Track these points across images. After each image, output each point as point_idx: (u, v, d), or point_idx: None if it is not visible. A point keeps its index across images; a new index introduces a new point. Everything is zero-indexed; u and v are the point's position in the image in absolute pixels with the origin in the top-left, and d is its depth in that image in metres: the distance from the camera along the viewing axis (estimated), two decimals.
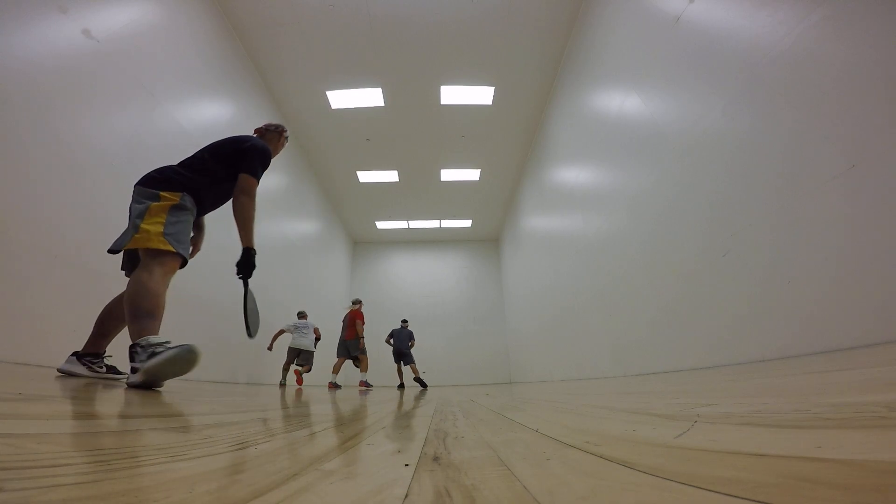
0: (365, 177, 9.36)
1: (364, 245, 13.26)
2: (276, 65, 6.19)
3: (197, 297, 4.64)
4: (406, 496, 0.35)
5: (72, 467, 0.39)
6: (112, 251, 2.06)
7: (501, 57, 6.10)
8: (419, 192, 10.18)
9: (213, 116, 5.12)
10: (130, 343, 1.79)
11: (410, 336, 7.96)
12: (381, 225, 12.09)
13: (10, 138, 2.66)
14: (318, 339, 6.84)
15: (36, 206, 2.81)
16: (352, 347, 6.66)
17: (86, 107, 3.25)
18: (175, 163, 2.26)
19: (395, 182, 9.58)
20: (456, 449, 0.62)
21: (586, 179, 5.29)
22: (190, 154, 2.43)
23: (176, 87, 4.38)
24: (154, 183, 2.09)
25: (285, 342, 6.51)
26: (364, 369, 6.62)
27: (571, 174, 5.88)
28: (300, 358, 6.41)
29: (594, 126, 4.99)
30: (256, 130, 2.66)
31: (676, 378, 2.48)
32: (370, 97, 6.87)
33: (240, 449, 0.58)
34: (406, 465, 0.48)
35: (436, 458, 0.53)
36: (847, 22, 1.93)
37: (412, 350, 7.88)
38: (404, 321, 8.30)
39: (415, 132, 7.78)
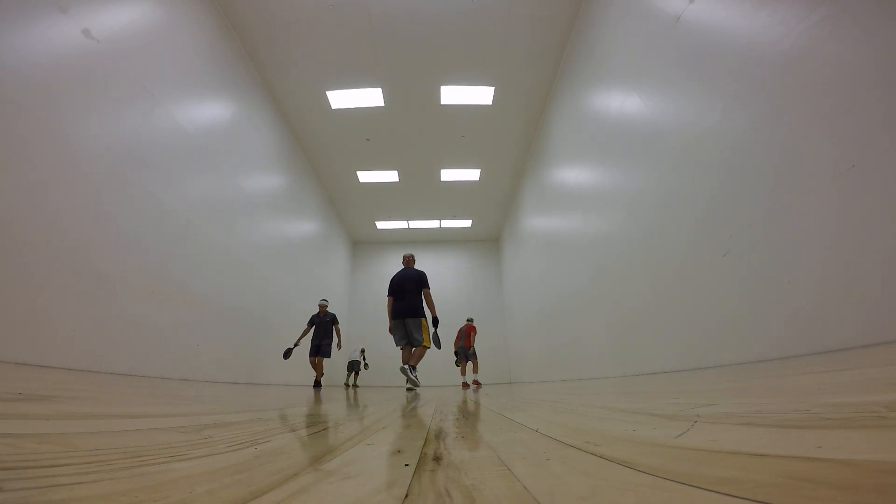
0: (365, 177, 9.35)
1: (364, 245, 13.26)
2: (276, 65, 6.19)
3: (196, 295, 4.64)
4: (406, 496, 0.35)
5: (72, 467, 0.39)
6: (414, 345, 4.56)
7: (501, 57, 6.10)
8: (419, 192, 10.18)
9: (213, 116, 5.12)
10: (413, 364, 4.41)
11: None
12: (381, 225, 12.09)
13: (11, 138, 2.66)
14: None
15: (36, 205, 2.81)
16: (469, 354, 8.24)
17: (86, 107, 3.26)
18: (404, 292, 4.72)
19: (395, 182, 9.58)
20: (456, 449, 0.62)
21: (586, 179, 5.29)
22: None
23: (176, 87, 4.38)
24: (418, 314, 4.59)
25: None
26: (476, 371, 8.19)
27: (571, 174, 5.88)
28: (354, 367, 10.56)
29: (594, 126, 4.99)
30: (405, 262, 5.06)
31: (676, 378, 2.48)
32: (370, 97, 6.87)
33: (240, 449, 0.58)
34: (406, 466, 0.48)
35: (436, 458, 0.53)
36: (846, 22, 1.93)
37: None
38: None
39: (415, 132, 7.78)
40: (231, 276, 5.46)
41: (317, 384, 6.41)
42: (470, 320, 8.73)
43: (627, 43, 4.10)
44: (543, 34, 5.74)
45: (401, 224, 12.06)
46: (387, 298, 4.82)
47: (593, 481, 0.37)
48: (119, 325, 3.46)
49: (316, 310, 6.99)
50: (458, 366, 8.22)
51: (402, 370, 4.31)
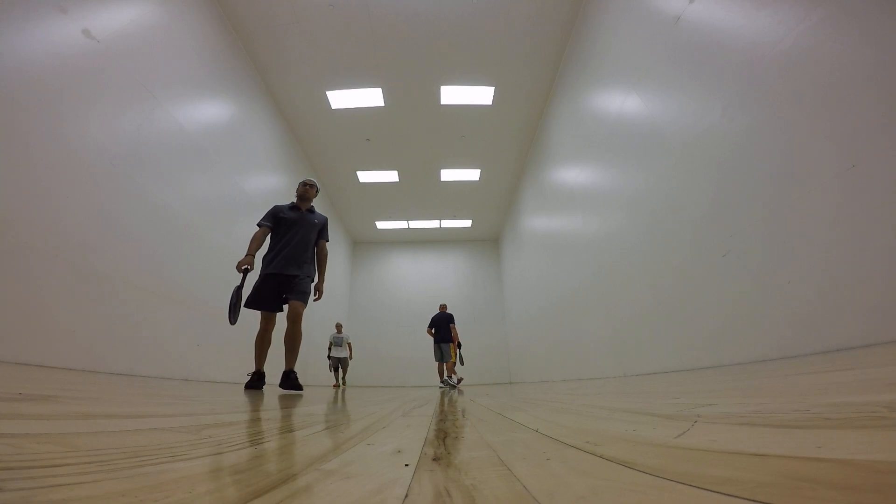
0: (365, 177, 9.35)
1: (364, 245, 13.26)
2: (276, 65, 6.18)
3: (196, 295, 4.64)
4: (406, 496, 0.35)
5: (72, 467, 0.39)
6: (444, 360, 7.10)
7: (501, 57, 6.10)
8: (419, 192, 10.17)
9: (213, 116, 5.12)
10: (449, 375, 6.95)
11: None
12: (381, 225, 12.09)
13: (12, 138, 2.66)
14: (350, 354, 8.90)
15: (36, 205, 2.81)
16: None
17: (86, 107, 3.25)
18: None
19: (395, 182, 9.58)
20: (456, 449, 0.62)
21: (586, 179, 5.29)
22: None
23: (176, 87, 4.38)
24: (447, 340, 7.04)
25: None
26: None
27: (571, 174, 5.88)
28: (341, 364, 8.60)
29: (594, 126, 4.99)
30: (441, 308, 7.50)
31: (676, 378, 2.48)
32: (370, 97, 6.87)
33: (239, 449, 0.58)
34: (406, 465, 0.48)
35: (436, 458, 0.53)
36: (846, 22, 1.93)
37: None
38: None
39: (415, 132, 7.78)
40: (231, 276, 5.45)
41: (256, 382, 3.06)
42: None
43: (627, 43, 4.10)
44: (543, 34, 5.74)
45: (401, 224, 12.06)
46: (428, 329, 7.45)
47: (593, 481, 0.37)
48: (119, 325, 3.46)
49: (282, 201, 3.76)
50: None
51: (444, 382, 6.41)
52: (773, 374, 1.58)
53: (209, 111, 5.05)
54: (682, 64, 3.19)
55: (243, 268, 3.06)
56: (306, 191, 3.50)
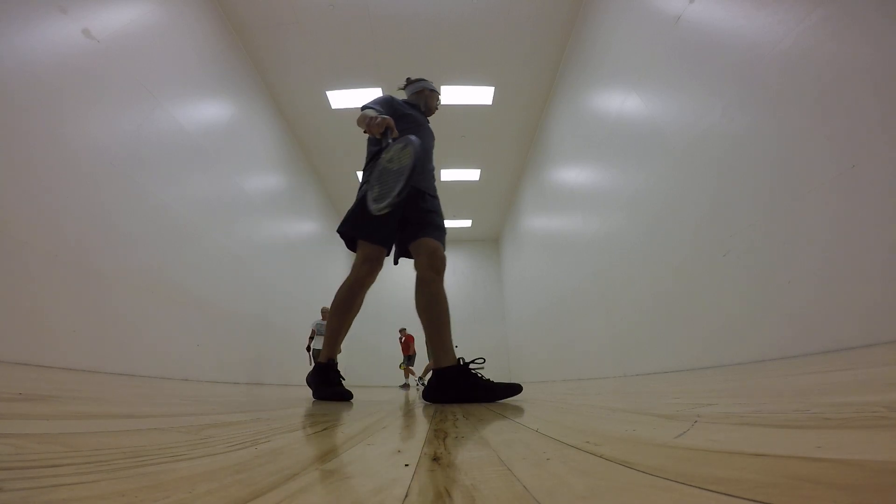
0: None
1: None
2: (276, 65, 6.19)
3: (196, 295, 4.64)
4: (406, 496, 0.35)
5: (72, 467, 0.39)
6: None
7: (501, 57, 6.10)
8: None
9: (213, 116, 5.12)
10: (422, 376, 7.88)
11: None
12: None
13: (11, 138, 2.66)
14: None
15: (36, 205, 2.81)
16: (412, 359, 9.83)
17: (86, 107, 3.25)
18: None
19: None
20: (456, 449, 0.62)
21: (586, 179, 5.29)
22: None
23: (176, 87, 4.38)
24: None
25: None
26: (412, 373, 9.69)
27: (571, 174, 5.88)
28: None
29: (594, 126, 4.99)
30: None
31: (676, 378, 2.48)
32: (370, 97, 6.86)
33: (240, 449, 0.58)
34: (406, 465, 0.48)
35: (436, 458, 0.53)
36: (846, 22, 1.93)
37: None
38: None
39: None
40: (231, 277, 5.46)
41: (336, 380, 2.18)
42: (403, 330, 9.98)
43: (627, 43, 4.10)
44: (543, 34, 5.75)
45: None
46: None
47: (593, 481, 0.37)
48: (119, 325, 3.46)
49: None
50: (401, 368, 9.75)
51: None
52: (773, 374, 1.58)
53: (209, 111, 5.05)
54: (682, 64, 3.19)
55: (384, 130, 1.83)
56: (431, 101, 2.49)
